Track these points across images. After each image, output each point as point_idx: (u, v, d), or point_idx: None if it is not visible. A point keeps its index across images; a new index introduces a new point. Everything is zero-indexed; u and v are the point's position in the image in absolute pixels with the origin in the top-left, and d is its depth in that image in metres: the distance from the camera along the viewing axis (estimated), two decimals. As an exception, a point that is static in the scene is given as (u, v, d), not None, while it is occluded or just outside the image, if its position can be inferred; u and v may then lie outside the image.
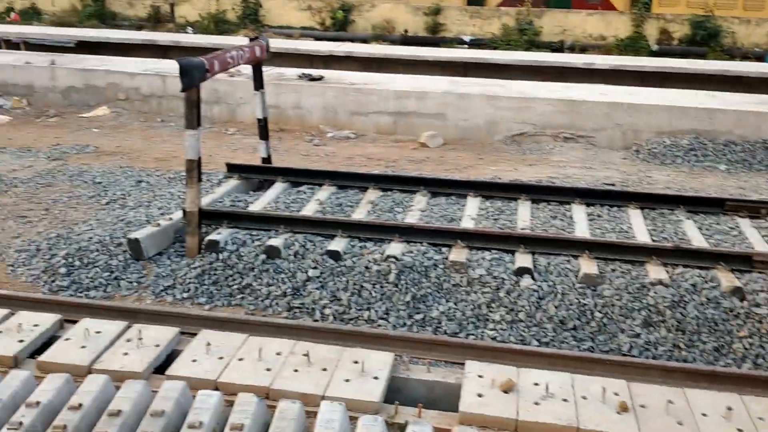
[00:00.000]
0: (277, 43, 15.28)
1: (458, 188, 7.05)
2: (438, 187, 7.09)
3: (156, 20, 22.74)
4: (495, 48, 18.64)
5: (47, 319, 3.97)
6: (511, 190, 6.96)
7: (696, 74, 13.61)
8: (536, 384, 3.39)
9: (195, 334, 3.87)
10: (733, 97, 10.27)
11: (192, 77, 5.50)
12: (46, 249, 5.88)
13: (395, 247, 5.60)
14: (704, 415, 3.20)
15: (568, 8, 21.31)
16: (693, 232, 6.08)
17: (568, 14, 20.33)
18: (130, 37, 17.30)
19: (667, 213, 6.57)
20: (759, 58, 17.86)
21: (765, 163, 8.88)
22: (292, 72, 11.66)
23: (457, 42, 19.85)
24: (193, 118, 5.62)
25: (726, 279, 5.17)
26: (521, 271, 5.30)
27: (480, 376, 3.44)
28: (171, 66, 11.43)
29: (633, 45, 19.03)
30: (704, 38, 18.92)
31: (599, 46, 19.24)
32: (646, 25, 19.55)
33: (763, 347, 4.73)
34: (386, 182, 7.17)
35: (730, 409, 3.17)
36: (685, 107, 9.51)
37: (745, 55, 18.26)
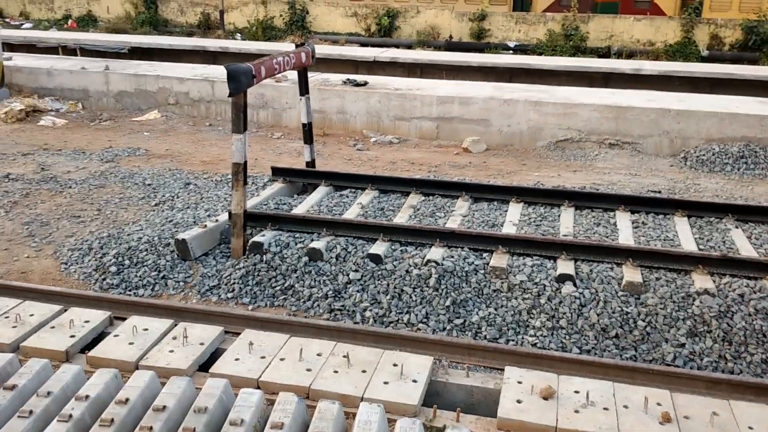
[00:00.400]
0: (323, 49, 15.48)
1: (500, 194, 7.03)
2: (480, 192, 7.08)
3: (206, 27, 23.25)
4: (540, 54, 18.51)
5: (97, 316, 4.11)
6: (554, 196, 6.90)
7: (748, 80, 13.31)
8: (576, 392, 3.37)
9: (238, 334, 3.96)
10: (787, 104, 10.02)
11: (239, 83, 5.61)
12: (98, 248, 6.07)
13: (436, 252, 5.61)
14: (750, 428, 3.14)
15: (615, 13, 21.01)
16: (742, 242, 5.95)
17: (615, 19, 20.05)
18: (181, 43, 17.73)
19: (715, 222, 6.43)
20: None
21: (820, 172, 8.63)
22: (337, 77, 11.78)
23: (502, 48, 19.77)
24: (240, 122, 5.74)
25: (776, 290, 5.04)
26: (563, 278, 5.25)
27: (519, 383, 3.43)
28: (219, 71, 11.70)
29: (682, 50, 18.70)
30: (757, 43, 18.45)
31: (647, 52, 18.94)
32: (696, 30, 19.16)
33: (814, 361, 4.60)
34: (428, 187, 7.19)
35: (776, 422, 3.11)
36: (736, 114, 9.30)
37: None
